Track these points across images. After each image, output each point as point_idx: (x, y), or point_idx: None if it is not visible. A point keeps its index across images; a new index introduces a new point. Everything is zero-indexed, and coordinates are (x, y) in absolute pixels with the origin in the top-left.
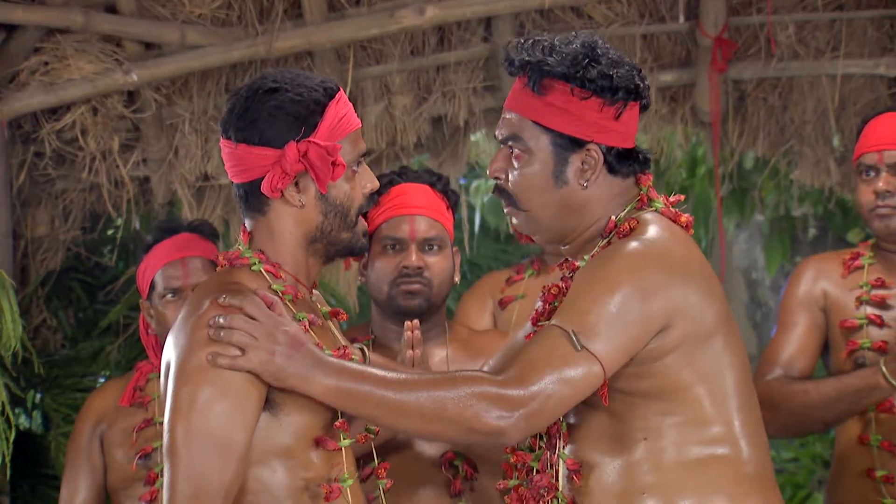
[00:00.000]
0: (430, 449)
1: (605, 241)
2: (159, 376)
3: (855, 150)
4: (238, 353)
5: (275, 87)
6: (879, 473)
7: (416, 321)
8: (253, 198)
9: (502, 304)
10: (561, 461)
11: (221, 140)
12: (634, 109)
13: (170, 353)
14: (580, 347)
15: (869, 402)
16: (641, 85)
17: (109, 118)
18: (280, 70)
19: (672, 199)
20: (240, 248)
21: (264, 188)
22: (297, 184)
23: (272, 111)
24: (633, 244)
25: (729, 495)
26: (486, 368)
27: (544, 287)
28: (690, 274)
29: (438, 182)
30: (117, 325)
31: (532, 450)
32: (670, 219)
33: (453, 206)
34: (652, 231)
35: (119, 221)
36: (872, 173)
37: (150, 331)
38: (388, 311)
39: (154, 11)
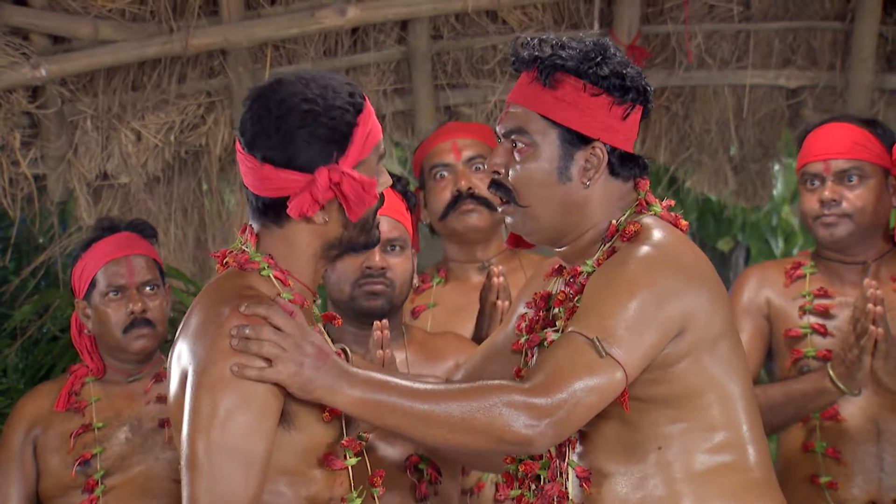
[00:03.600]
0: (394, 452)
1: (609, 245)
2: (95, 380)
3: (798, 160)
4: (264, 364)
5: (307, 109)
6: (824, 480)
7: (384, 321)
8: (272, 212)
9: (414, 313)
10: (570, 469)
11: (242, 153)
12: (638, 113)
13: (187, 362)
14: (604, 354)
15: (816, 406)
16: (649, 89)
17: (13, 113)
18: (306, 79)
19: (664, 203)
20: (245, 249)
21: (292, 212)
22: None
23: (305, 137)
24: (646, 248)
25: (740, 502)
26: (461, 374)
27: (536, 294)
28: (701, 278)
29: (398, 183)
30: (13, 329)
31: (532, 458)
32: (670, 222)
33: (412, 207)
34: (660, 235)
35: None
36: (817, 182)
37: (85, 331)
38: (348, 312)
39: (65, 5)
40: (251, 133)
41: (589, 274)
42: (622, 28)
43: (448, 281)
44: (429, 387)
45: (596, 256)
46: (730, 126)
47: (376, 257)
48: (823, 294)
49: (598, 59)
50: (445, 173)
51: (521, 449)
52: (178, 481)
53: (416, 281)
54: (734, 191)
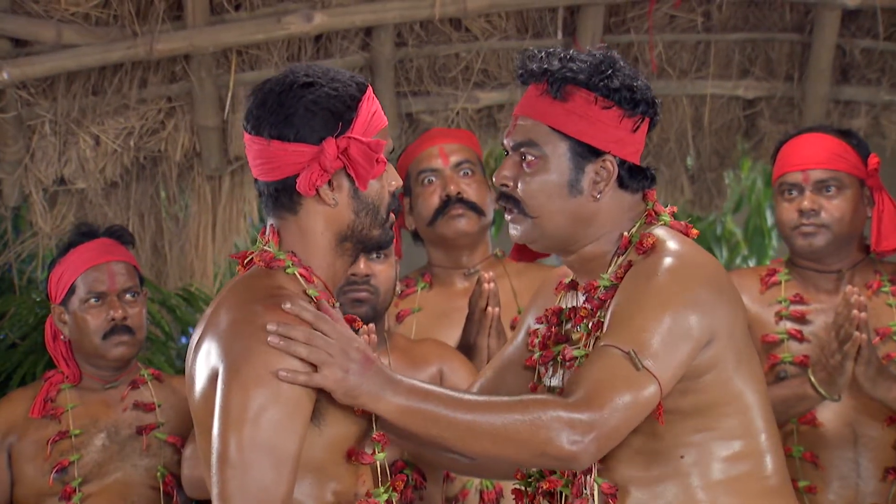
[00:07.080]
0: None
1: (624, 258)
2: (72, 387)
3: (775, 170)
4: (310, 369)
5: (309, 82)
6: (802, 484)
7: (371, 325)
8: (284, 196)
9: (399, 318)
10: (596, 485)
11: (248, 137)
12: (646, 125)
13: (217, 361)
14: (641, 367)
15: (796, 411)
16: (657, 101)
17: None
18: (307, 65)
19: (669, 209)
20: (269, 248)
21: (300, 186)
22: (330, 182)
23: (309, 106)
24: (670, 259)
25: None
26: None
27: (548, 310)
28: (722, 288)
29: None
30: None
31: (553, 474)
32: (681, 231)
33: (396, 214)
34: (678, 246)
35: None
36: (795, 192)
37: (61, 337)
38: None
39: (28, 8)
40: (255, 116)
41: (607, 288)
42: (585, 37)
43: (433, 286)
44: (472, 398)
45: (612, 270)
46: (687, 136)
47: (361, 265)
48: (799, 300)
49: (609, 71)
50: (433, 178)
51: (563, 464)
52: (155, 488)
53: (398, 287)
54: (689, 200)
